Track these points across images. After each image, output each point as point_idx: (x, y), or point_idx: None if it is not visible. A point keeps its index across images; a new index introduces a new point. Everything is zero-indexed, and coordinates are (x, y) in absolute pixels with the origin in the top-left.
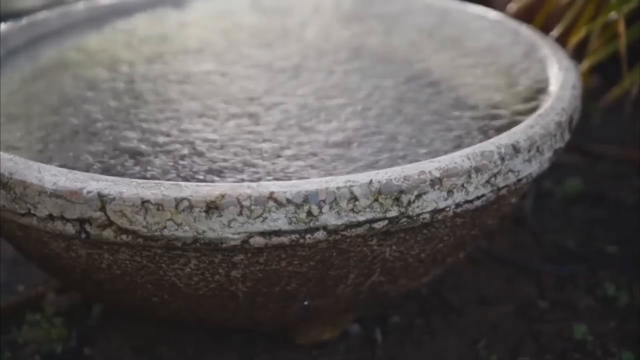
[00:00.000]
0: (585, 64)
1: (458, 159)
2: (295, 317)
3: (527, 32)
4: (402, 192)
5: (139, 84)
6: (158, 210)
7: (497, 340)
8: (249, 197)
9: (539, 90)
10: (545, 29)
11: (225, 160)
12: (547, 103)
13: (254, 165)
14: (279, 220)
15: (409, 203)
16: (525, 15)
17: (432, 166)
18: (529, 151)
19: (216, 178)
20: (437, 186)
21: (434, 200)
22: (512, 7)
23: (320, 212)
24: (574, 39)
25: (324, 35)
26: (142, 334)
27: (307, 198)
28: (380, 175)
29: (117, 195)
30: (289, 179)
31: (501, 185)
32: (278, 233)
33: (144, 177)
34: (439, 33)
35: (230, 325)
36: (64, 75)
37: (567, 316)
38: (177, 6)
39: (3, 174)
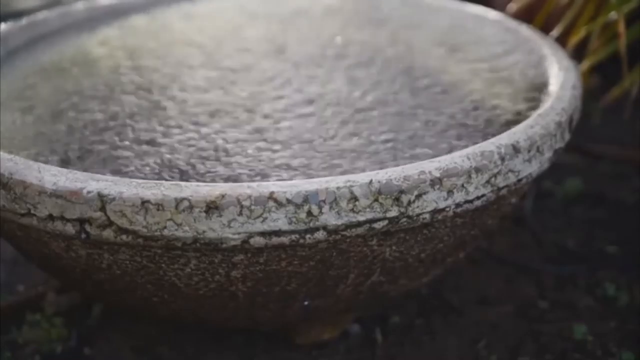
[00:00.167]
0: (585, 64)
1: (458, 159)
2: (295, 317)
3: (527, 32)
4: (402, 192)
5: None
6: (158, 210)
7: (497, 340)
8: (249, 197)
9: (539, 90)
10: (545, 29)
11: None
12: (547, 103)
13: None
14: (279, 221)
15: (409, 203)
16: (525, 15)
17: (432, 166)
18: (529, 151)
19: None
20: (437, 186)
21: (434, 200)
22: (512, 7)
23: (320, 212)
24: (574, 39)
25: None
26: (142, 334)
27: (307, 198)
28: (380, 175)
29: (117, 195)
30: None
31: (501, 185)
32: (278, 233)
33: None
34: (437, 30)
35: (230, 325)
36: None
37: (567, 316)
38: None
39: (3, 174)
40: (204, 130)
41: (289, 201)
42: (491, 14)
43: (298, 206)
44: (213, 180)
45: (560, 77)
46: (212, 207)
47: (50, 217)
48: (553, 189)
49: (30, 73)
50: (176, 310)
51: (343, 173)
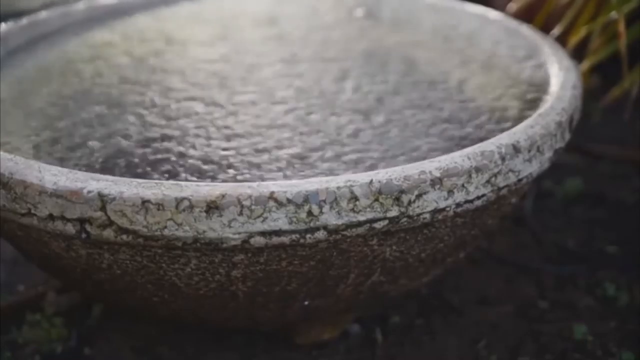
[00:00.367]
0: (586, 64)
1: (458, 158)
2: (295, 317)
3: (527, 31)
4: (402, 192)
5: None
6: (158, 210)
7: (497, 340)
8: (250, 196)
9: (539, 90)
10: (545, 29)
11: None
12: (547, 103)
13: None
14: (279, 220)
15: (409, 203)
16: (525, 15)
17: (432, 166)
18: (529, 151)
19: None
20: (438, 186)
21: (434, 200)
22: (512, 7)
23: (321, 212)
24: (574, 39)
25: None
26: (142, 334)
27: (307, 198)
28: (381, 175)
29: (118, 195)
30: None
31: (501, 185)
32: (278, 233)
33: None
34: (436, 30)
35: (230, 325)
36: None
37: (567, 316)
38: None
39: (3, 174)
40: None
41: (289, 201)
42: (491, 14)
43: (298, 206)
44: None
45: (561, 77)
46: (213, 207)
47: (51, 217)
48: (553, 189)
49: (30, 73)
50: (176, 310)
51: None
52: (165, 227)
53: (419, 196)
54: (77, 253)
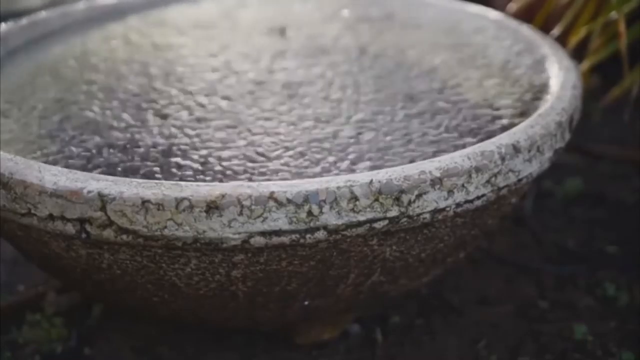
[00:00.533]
0: (586, 64)
1: (458, 158)
2: (295, 317)
3: (527, 31)
4: (402, 192)
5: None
6: (158, 210)
7: (497, 340)
8: (249, 196)
9: (539, 90)
10: (545, 29)
11: None
12: (547, 103)
13: None
14: (279, 220)
15: (409, 203)
16: (525, 15)
17: (432, 166)
18: (529, 151)
19: None
20: (438, 186)
21: (434, 200)
22: (512, 7)
23: (321, 212)
24: (574, 39)
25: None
26: (142, 334)
27: (307, 198)
28: (381, 175)
29: (118, 195)
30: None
31: (501, 185)
32: (278, 233)
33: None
34: (436, 29)
35: (230, 325)
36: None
37: (567, 316)
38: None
39: (3, 174)
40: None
41: (289, 201)
42: (491, 13)
43: (298, 206)
44: None
45: (561, 77)
46: (213, 207)
47: (51, 217)
48: (553, 189)
49: (30, 73)
50: (176, 310)
51: None
52: (165, 227)
53: (419, 196)
54: (77, 253)
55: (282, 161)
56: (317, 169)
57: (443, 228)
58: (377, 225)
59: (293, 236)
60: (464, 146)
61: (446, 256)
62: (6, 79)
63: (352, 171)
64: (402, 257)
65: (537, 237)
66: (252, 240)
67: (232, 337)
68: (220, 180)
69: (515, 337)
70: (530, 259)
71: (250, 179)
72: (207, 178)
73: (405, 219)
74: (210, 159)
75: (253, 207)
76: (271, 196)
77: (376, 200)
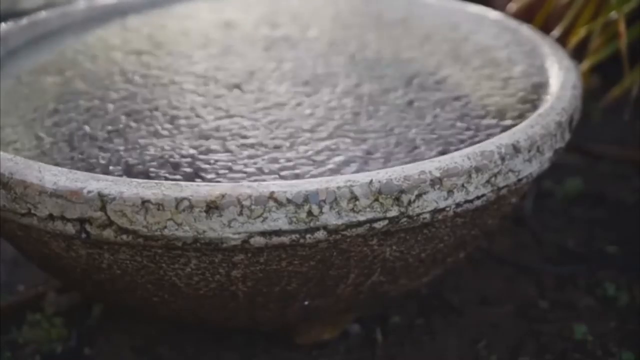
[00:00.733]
0: (586, 64)
1: (458, 158)
2: (295, 317)
3: (527, 31)
4: (402, 192)
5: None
6: (158, 210)
7: (497, 340)
8: (249, 196)
9: (539, 90)
10: (545, 29)
11: None
12: (547, 103)
13: None
14: (279, 220)
15: (409, 203)
16: (525, 15)
17: (432, 166)
18: (529, 151)
19: None
20: (438, 186)
21: (434, 200)
22: (512, 7)
23: (321, 212)
24: (574, 39)
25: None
26: (142, 334)
27: (307, 198)
28: (381, 175)
29: (118, 195)
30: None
31: (501, 185)
32: (278, 233)
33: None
34: (436, 29)
35: (230, 325)
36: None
37: (567, 316)
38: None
39: (3, 174)
40: None
41: (289, 201)
42: (491, 13)
43: (298, 206)
44: None
45: (561, 77)
46: (213, 207)
47: (51, 217)
48: (553, 189)
49: (30, 73)
50: (176, 310)
51: None
52: (165, 227)
53: (418, 196)
54: (77, 253)
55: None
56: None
57: (443, 228)
58: (377, 225)
59: (293, 236)
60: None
61: (446, 256)
62: (6, 79)
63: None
64: (402, 257)
65: (537, 237)
66: (252, 240)
67: (232, 337)
68: None
69: (515, 337)
70: (530, 259)
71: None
72: None
73: (405, 219)
74: None
75: (253, 207)
76: (271, 196)
77: (376, 200)
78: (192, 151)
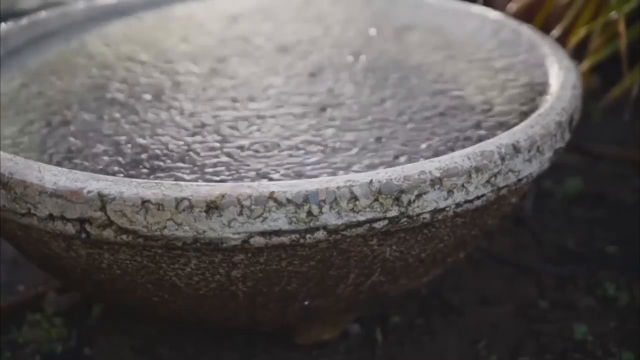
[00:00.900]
0: (586, 64)
1: (458, 158)
2: (295, 317)
3: (527, 31)
4: (402, 192)
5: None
6: (158, 210)
7: (497, 340)
8: (249, 196)
9: (539, 90)
10: (545, 29)
11: None
12: (547, 103)
13: None
14: (279, 220)
15: (409, 203)
16: (525, 15)
17: (432, 166)
18: (529, 151)
19: None
20: (437, 186)
21: (434, 200)
22: (512, 7)
23: (321, 212)
24: (574, 39)
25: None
26: (142, 334)
27: (307, 198)
28: (381, 175)
29: (118, 195)
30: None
31: (501, 185)
32: (278, 233)
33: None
34: (436, 29)
35: (231, 325)
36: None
37: (567, 316)
38: None
39: (3, 174)
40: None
41: (289, 201)
42: (491, 13)
43: (298, 206)
44: None
45: (561, 77)
46: (212, 207)
47: (51, 217)
48: (553, 189)
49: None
50: (176, 310)
51: None
52: (165, 227)
53: (418, 196)
54: (77, 253)
55: None
56: None
57: (443, 228)
58: (377, 225)
59: (293, 236)
60: (463, 146)
61: (446, 256)
62: (5, 79)
63: None
64: (402, 257)
65: (537, 237)
66: (252, 240)
67: (232, 337)
68: None
69: (515, 337)
70: (530, 259)
71: None
72: None
73: (405, 219)
74: None
75: (253, 207)
76: (271, 196)
77: (376, 200)
78: None
